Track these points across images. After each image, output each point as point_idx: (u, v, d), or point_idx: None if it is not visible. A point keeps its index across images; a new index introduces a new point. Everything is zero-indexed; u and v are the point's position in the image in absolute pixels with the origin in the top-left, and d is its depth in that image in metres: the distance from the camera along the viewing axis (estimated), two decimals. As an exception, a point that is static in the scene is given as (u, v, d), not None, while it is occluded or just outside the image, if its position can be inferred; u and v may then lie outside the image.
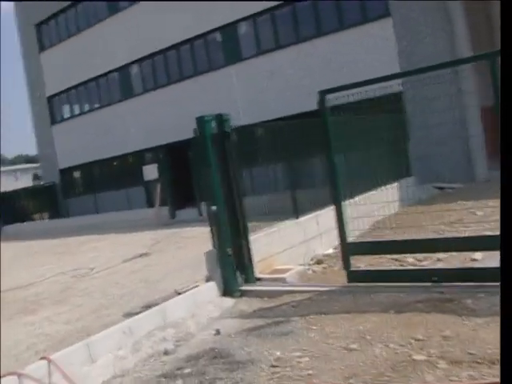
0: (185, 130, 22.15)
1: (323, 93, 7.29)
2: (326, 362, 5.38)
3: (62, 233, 22.93)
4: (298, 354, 5.69)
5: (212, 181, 7.98)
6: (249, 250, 8.35)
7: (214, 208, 7.92)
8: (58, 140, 29.03)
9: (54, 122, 29.59)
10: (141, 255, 13.47)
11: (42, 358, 5.95)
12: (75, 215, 26.33)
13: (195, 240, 14.66)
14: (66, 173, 28.78)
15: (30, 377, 5.59)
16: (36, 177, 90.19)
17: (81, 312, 8.91)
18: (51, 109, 29.66)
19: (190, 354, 6.24)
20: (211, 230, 8.19)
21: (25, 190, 34.59)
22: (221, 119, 8.23)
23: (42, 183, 32.29)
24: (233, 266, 8.12)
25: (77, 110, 29.09)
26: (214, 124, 8.16)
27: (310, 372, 5.21)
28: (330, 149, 7.31)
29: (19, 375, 5.59)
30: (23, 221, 28.95)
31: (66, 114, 29.62)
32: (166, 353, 6.40)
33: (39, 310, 9.56)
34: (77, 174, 28.88)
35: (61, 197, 28.24)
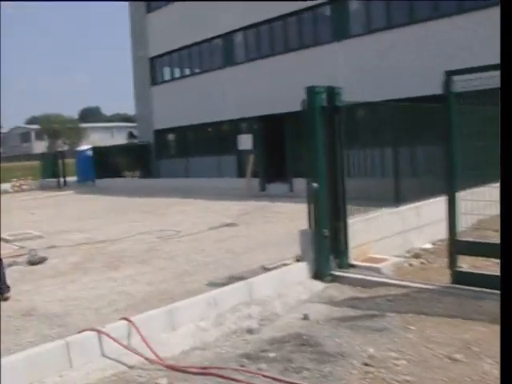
0: (281, 104, 22.00)
1: (450, 73, 6.59)
2: (427, 369, 4.82)
3: (151, 192, 23.17)
4: (393, 354, 5.17)
5: (316, 156, 7.49)
6: (346, 233, 7.84)
7: (315, 185, 7.43)
8: (156, 101, 29.32)
9: (154, 83, 29.88)
10: (228, 225, 13.22)
11: (123, 319, 5.73)
12: (166, 177, 26.58)
13: (284, 216, 14.27)
14: (160, 134, 29.07)
15: (109, 335, 5.37)
16: (131, 135, 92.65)
17: (164, 275, 8.73)
18: (152, 70, 29.94)
19: (274, 336, 5.84)
20: (309, 208, 7.71)
21: (119, 146, 35.39)
22: (332, 92, 7.69)
23: (136, 142, 32.81)
24: (327, 249, 7.64)
25: (177, 73, 29.24)
26: (324, 96, 7.63)
27: (408, 378, 4.69)
28: (450, 137, 6.63)
29: (99, 332, 5.39)
30: (115, 176, 29.56)
31: (167, 76, 29.81)
32: (249, 331, 6.04)
33: (123, 267, 9.46)
34: (171, 137, 29.11)
35: (153, 157, 28.60)
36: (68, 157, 36.80)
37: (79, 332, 5.44)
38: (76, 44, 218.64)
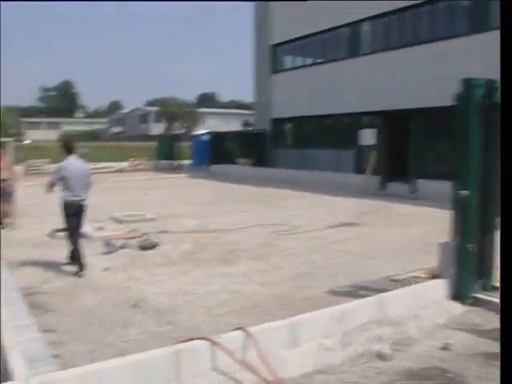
0: (408, 99, 20.71)
1: None
2: None
3: (265, 182, 22.67)
4: None
5: (468, 160, 6.46)
6: (493, 250, 6.75)
7: (464, 193, 6.41)
8: (275, 89, 28.74)
9: (274, 71, 29.30)
10: (346, 224, 12.34)
11: (239, 329, 5.06)
12: (280, 167, 25.98)
13: (408, 219, 13.18)
14: (277, 123, 28.49)
15: (222, 347, 4.72)
16: (246, 123, 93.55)
17: (279, 275, 8.03)
18: (273, 57, 29.34)
19: (411, 367, 4.97)
20: (454, 217, 6.69)
21: (235, 133, 35.26)
22: (491, 86, 6.62)
23: (251, 129, 32.50)
24: (471, 267, 6.61)
25: (299, 62, 28.49)
26: (481, 91, 6.58)
27: None
28: None
29: (211, 342, 4.74)
30: (229, 162, 29.37)
31: (288, 65, 29.12)
32: (380, 357, 5.19)
33: (236, 262, 8.87)
34: (288, 126, 28.44)
35: (269, 146, 28.08)
36: (184, 140, 37.19)
37: (189, 340, 4.83)
38: (198, 31, 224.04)
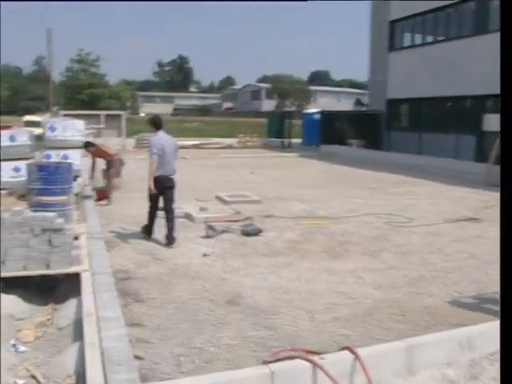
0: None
1: None
2: None
3: (378, 166, 21.50)
4: None
5: None
6: None
7: None
8: (392, 68, 27.27)
9: (392, 48, 27.79)
10: (468, 219, 11.13)
11: (346, 348, 4.30)
12: (395, 150, 24.61)
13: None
14: (393, 104, 27.06)
15: (326, 372, 3.97)
16: (358, 102, 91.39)
17: (394, 277, 7.14)
18: (391, 34, 27.81)
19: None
20: None
21: (347, 113, 34.09)
22: None
23: (364, 110, 31.19)
24: None
25: (418, 40, 26.79)
26: None
27: None
28: None
29: (314, 364, 4.02)
30: (340, 143, 28.36)
31: (407, 43, 27.52)
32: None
33: (346, 257, 8.05)
34: (404, 108, 26.97)
35: (383, 128, 26.77)
36: (295, 118, 36.40)
37: (289, 357, 4.13)
38: (314, 6, 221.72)
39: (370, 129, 27.46)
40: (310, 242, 8.89)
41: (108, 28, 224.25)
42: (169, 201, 8.77)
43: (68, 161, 14.37)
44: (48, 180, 7.54)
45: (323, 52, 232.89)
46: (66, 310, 5.66)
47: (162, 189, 8.61)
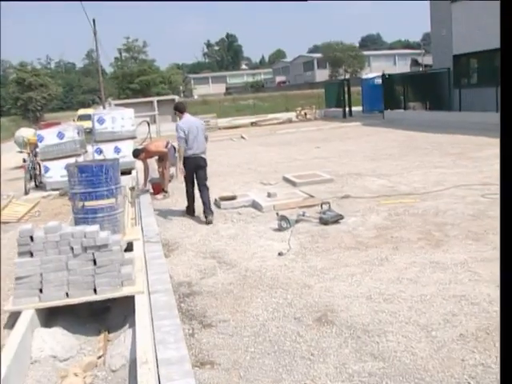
0: None
1: None
2: None
3: (450, 128, 19.77)
4: None
5: None
6: None
7: None
8: (457, 20, 25.11)
9: (455, -1, 25.59)
10: None
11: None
12: (465, 109, 22.62)
13: None
14: (460, 59, 24.94)
15: None
16: (415, 63, 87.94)
17: None
18: (455, -17, 25.57)
19: None
20: None
21: (409, 74, 32.01)
22: None
23: (428, 69, 29.04)
24: None
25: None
26: None
27: None
28: None
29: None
30: (404, 108, 26.54)
31: (472, -9, 25.26)
32: None
33: (448, 244, 6.67)
34: (475, 62, 24.79)
35: (451, 86, 24.67)
36: (352, 85, 34.57)
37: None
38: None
39: (436, 89, 25.41)
40: (400, 226, 7.54)
41: (152, 13, 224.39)
42: (200, 179, 9.08)
43: (117, 155, 13.49)
44: (91, 182, 6.46)
45: (372, 15, 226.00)
46: (120, 346, 4.56)
47: (195, 168, 8.98)
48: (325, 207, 8.27)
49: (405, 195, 9.53)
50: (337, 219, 7.91)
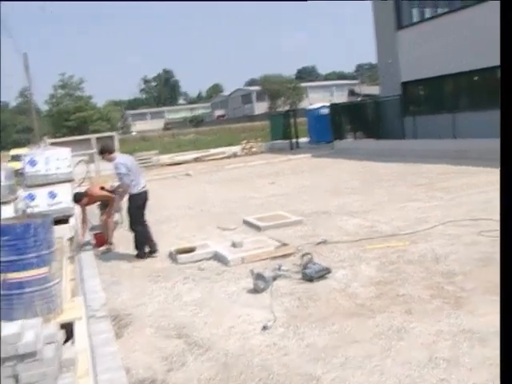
0: None
1: None
2: None
3: (407, 157, 18.93)
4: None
5: None
6: None
7: None
8: (403, 48, 24.62)
9: (399, 26, 25.12)
10: None
11: None
12: (419, 137, 21.80)
13: None
14: (408, 86, 24.36)
15: None
16: (352, 93, 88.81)
17: None
18: (398, 11, 25.12)
19: None
20: None
21: (356, 103, 31.42)
22: None
23: (377, 97, 28.43)
24: None
25: (431, 12, 24.13)
26: None
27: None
28: None
29: None
30: (353, 137, 25.78)
31: (416, 17, 24.86)
32: None
33: (469, 302, 5.41)
34: (423, 89, 24.20)
35: (401, 114, 23.92)
36: (297, 116, 33.68)
37: None
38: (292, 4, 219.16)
39: (385, 117, 24.77)
40: (401, 279, 6.26)
41: (88, 50, 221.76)
42: (144, 215, 8.80)
43: (52, 201, 11.83)
44: (15, 247, 4.90)
45: (307, 48, 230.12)
46: None
47: (143, 204, 8.67)
48: (306, 259, 6.91)
49: (389, 237, 8.31)
50: (323, 274, 6.57)
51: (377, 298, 5.73)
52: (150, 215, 12.45)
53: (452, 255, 6.99)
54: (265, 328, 5.19)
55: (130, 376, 4.44)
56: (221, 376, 4.35)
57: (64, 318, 5.09)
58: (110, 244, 9.63)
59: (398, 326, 4.92)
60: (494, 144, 17.04)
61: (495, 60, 18.94)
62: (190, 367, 4.58)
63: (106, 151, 8.83)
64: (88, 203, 10.00)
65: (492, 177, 13.12)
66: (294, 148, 29.49)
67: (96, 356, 4.63)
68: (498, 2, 15.85)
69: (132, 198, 8.55)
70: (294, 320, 5.34)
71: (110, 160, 8.80)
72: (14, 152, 37.69)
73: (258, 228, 9.79)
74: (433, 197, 11.37)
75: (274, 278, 6.57)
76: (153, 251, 8.72)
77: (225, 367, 4.50)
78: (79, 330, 4.96)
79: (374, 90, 64.44)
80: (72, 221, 11.79)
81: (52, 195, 12.10)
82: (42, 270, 5.06)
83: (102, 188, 10.02)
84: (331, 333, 4.94)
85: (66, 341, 4.80)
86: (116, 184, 9.30)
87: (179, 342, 5.12)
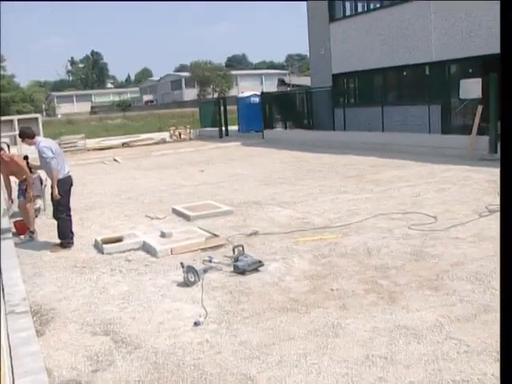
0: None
1: None
2: None
3: (338, 148, 19.04)
4: None
5: None
6: None
7: None
8: (335, 40, 24.78)
9: (332, 18, 25.26)
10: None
11: None
12: (349, 129, 22.03)
13: None
14: (339, 79, 24.55)
15: None
16: (282, 82, 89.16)
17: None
18: (331, 3, 25.25)
19: None
20: None
21: (288, 93, 31.47)
22: None
23: (308, 88, 28.55)
24: None
25: (362, 7, 24.38)
26: None
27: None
28: None
29: None
30: (283, 127, 25.82)
31: (349, 11, 25.06)
32: None
33: (404, 297, 5.38)
34: (353, 82, 24.48)
35: (331, 105, 24.09)
36: (228, 104, 33.39)
37: None
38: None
39: (316, 108, 24.94)
40: (335, 273, 6.18)
41: (12, 27, 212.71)
42: (69, 202, 8.40)
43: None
44: None
45: (237, 36, 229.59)
46: None
47: (69, 189, 8.35)
48: (237, 251, 6.73)
49: (321, 229, 8.25)
50: (255, 267, 6.42)
51: (311, 292, 5.62)
52: (74, 201, 12.04)
53: (384, 249, 7.00)
54: (196, 324, 4.99)
55: (52, 379, 4.14)
56: (151, 377, 4.11)
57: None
58: (32, 232, 9.13)
59: (334, 322, 4.82)
60: (420, 139, 17.54)
61: (422, 57, 19.47)
62: (117, 367, 4.32)
63: (24, 135, 8.23)
64: (4, 170, 9.30)
65: (417, 169, 13.43)
66: (224, 136, 29.22)
67: (15, 357, 4.29)
68: (424, 2, 16.10)
69: (58, 183, 8.03)
70: (227, 315, 5.15)
71: (31, 144, 8.27)
72: None
73: (187, 217, 9.55)
74: (363, 189, 11.44)
75: (205, 271, 6.37)
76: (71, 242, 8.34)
77: (155, 367, 4.27)
78: (-3, 327, 4.60)
79: (303, 80, 65.05)
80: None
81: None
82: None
83: (26, 159, 9.44)
84: (265, 329, 4.79)
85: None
86: (38, 164, 8.78)
87: (106, 340, 4.84)
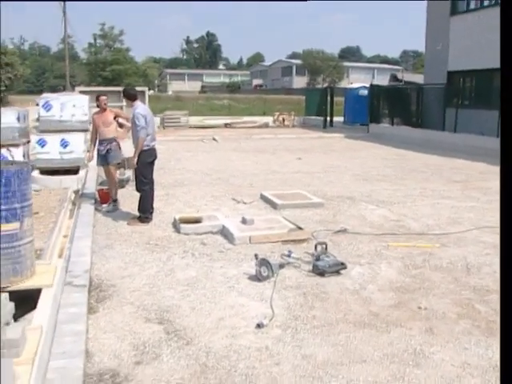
0: None
1: None
2: None
3: (446, 150, 17.88)
4: None
5: None
6: None
7: None
8: (454, 36, 23.31)
9: (454, 11, 23.77)
10: None
11: None
12: (461, 131, 20.69)
13: None
14: (455, 77, 23.14)
15: None
16: (394, 78, 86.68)
17: None
18: (454, -4, 23.73)
19: None
20: None
21: (399, 88, 30.15)
22: None
23: (421, 84, 27.11)
24: None
25: (489, 0, 22.76)
26: None
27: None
28: None
29: None
30: (390, 122, 24.68)
31: (473, 4, 23.47)
32: None
33: (498, 331, 4.57)
34: (471, 81, 23.00)
35: (444, 105, 22.77)
36: (336, 94, 32.52)
37: None
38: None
39: (430, 106, 23.61)
40: (425, 288, 5.43)
41: (135, 7, 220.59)
42: (152, 175, 8.14)
43: (63, 149, 11.27)
44: (-18, 196, 4.20)
45: (354, 28, 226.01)
46: None
47: (153, 161, 8.07)
48: (319, 249, 6.11)
49: (417, 235, 7.46)
50: (337, 269, 5.78)
51: (395, 307, 4.92)
52: (165, 176, 11.86)
53: (486, 267, 6.14)
54: (259, 326, 4.44)
55: (90, 365, 3.74)
56: (195, 381, 3.61)
57: (30, 283, 4.43)
58: (115, 201, 8.94)
59: (416, 348, 4.12)
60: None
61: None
62: (162, 363, 3.86)
63: (128, 96, 8.07)
64: (98, 119, 9.09)
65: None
66: (328, 126, 28.44)
67: (56, 335, 3.93)
68: None
69: (142, 153, 7.76)
70: (295, 321, 4.57)
71: (130, 106, 8.05)
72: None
73: (274, 205, 9.01)
74: (469, 196, 10.44)
75: (281, 266, 5.81)
76: (150, 217, 8.08)
77: (203, 370, 3.76)
78: (45, 300, 4.28)
79: (416, 78, 62.56)
80: (81, 173, 11.19)
81: (64, 143, 11.50)
82: (11, 226, 4.40)
83: (116, 118, 9.21)
84: (335, 344, 4.16)
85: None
86: (129, 126, 8.55)
87: (158, 329, 4.40)
